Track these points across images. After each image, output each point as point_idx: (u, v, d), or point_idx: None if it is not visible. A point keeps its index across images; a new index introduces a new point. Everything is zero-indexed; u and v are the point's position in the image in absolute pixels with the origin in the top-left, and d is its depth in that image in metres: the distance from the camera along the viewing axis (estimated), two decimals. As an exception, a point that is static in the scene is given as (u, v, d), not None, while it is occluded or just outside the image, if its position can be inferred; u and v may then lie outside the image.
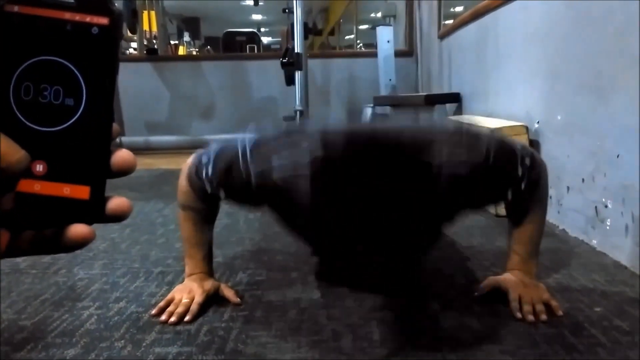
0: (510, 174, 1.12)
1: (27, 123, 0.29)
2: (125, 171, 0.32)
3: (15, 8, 0.29)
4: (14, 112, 0.29)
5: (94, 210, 0.30)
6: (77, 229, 0.30)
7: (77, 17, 0.30)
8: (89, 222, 0.30)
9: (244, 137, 1.12)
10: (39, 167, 0.30)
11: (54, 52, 0.30)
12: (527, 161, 1.13)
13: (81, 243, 0.30)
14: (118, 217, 0.31)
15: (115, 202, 0.31)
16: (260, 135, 1.13)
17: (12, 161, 0.28)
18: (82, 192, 0.30)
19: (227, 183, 1.14)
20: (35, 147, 0.29)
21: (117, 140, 0.32)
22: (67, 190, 0.30)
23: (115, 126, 0.31)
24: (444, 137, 1.03)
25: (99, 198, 0.31)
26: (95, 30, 0.30)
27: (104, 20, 0.30)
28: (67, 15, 0.30)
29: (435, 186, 0.98)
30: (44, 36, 0.29)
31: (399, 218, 0.94)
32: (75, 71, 0.30)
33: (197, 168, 1.18)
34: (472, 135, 1.08)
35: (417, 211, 0.94)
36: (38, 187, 0.30)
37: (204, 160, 1.17)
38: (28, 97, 0.29)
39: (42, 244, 0.30)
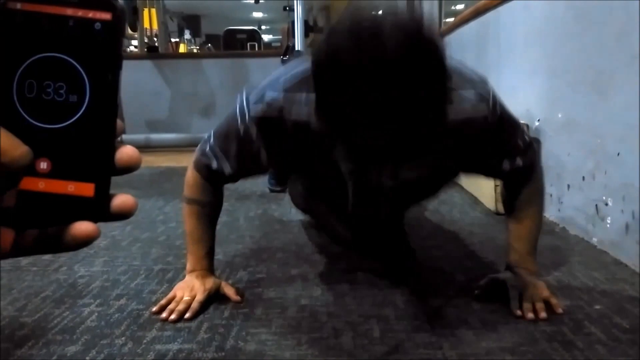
0: (511, 138, 1.13)
1: (31, 120, 0.29)
2: (130, 168, 0.31)
3: (18, 5, 0.29)
4: (17, 109, 0.29)
5: (99, 208, 0.30)
6: (82, 227, 0.30)
7: (80, 13, 0.29)
8: (94, 220, 0.30)
9: (238, 95, 1.14)
10: (43, 165, 0.29)
11: (56, 49, 0.29)
12: (527, 138, 1.16)
13: (86, 241, 0.30)
14: (123, 215, 0.31)
15: (121, 199, 0.31)
16: (252, 87, 1.14)
17: (14, 156, 0.27)
18: (86, 189, 0.30)
19: (228, 142, 1.15)
20: (39, 145, 0.29)
21: (118, 138, 0.32)
22: (72, 187, 0.30)
23: (119, 122, 0.31)
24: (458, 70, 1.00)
25: (104, 195, 0.30)
26: (97, 26, 0.30)
27: (106, 16, 0.30)
28: (70, 12, 0.29)
29: (442, 104, 0.89)
30: (47, 33, 0.29)
31: (403, 137, 0.85)
32: (79, 67, 0.30)
33: (200, 149, 1.21)
34: (483, 83, 1.08)
35: (420, 129, 0.84)
36: (42, 185, 0.29)
37: (206, 138, 1.21)
38: (31, 94, 0.29)
39: (46, 242, 0.30)
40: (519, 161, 1.14)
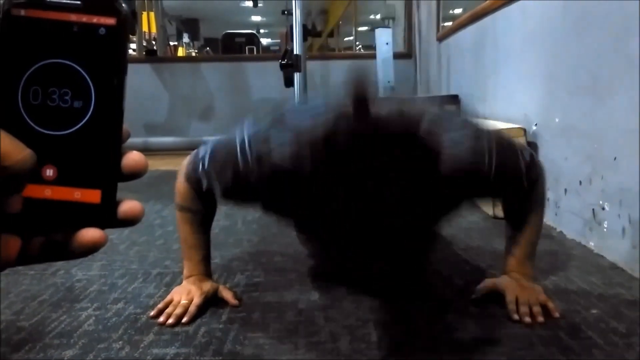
0: (513, 169, 1.12)
1: (36, 127, 0.29)
2: (136, 174, 0.31)
3: (22, 12, 0.29)
4: (23, 116, 0.29)
5: (106, 214, 0.30)
6: (89, 234, 0.29)
7: (84, 19, 0.29)
8: (100, 227, 0.30)
9: (242, 126, 1.11)
10: (49, 172, 0.29)
11: (61, 55, 0.29)
12: (527, 156, 1.14)
13: (93, 247, 0.30)
14: (130, 221, 0.31)
15: (128, 205, 0.31)
16: (257, 122, 1.11)
17: (17, 160, 0.27)
18: (93, 196, 0.30)
19: (223, 173, 1.12)
20: (45, 152, 0.29)
21: (124, 143, 0.32)
22: (78, 194, 0.30)
23: (125, 128, 0.30)
24: (448, 128, 1.01)
25: (111, 201, 0.30)
26: (102, 31, 0.30)
27: (110, 21, 0.30)
28: (74, 17, 0.29)
29: (438, 177, 0.93)
30: (51, 39, 0.29)
31: (401, 207, 0.92)
32: (83, 73, 0.30)
33: (194, 164, 1.17)
34: (474, 128, 1.08)
35: (419, 200, 0.91)
36: (49, 192, 0.29)
37: (201, 154, 1.17)
38: (36, 101, 0.29)
39: (53, 249, 0.30)
40: (524, 181, 1.13)
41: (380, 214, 0.92)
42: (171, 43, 8.89)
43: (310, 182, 0.99)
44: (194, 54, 10.06)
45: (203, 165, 1.15)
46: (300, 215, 1.21)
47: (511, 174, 1.13)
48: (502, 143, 1.10)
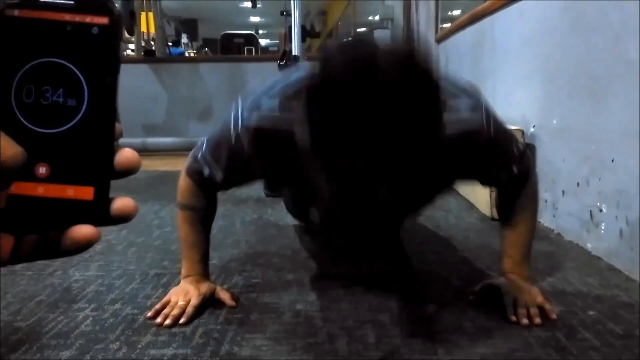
0: (507, 148, 1.13)
1: (29, 125, 0.29)
2: (129, 171, 0.31)
3: (15, 12, 0.29)
4: (16, 114, 0.29)
5: (99, 211, 0.30)
6: (82, 230, 0.29)
7: (77, 18, 0.30)
8: (94, 224, 0.30)
9: (236, 103, 1.12)
10: (42, 170, 0.29)
11: (54, 54, 0.30)
12: (521, 147, 1.16)
13: (86, 244, 0.30)
14: (123, 218, 0.31)
15: (121, 203, 0.31)
16: (250, 94, 1.12)
17: (7, 157, 0.27)
18: (86, 193, 0.30)
19: (218, 151, 1.13)
20: (38, 149, 0.29)
21: (117, 141, 0.32)
22: (71, 191, 0.30)
23: (118, 126, 0.31)
24: (450, 81, 0.99)
25: (104, 199, 0.30)
26: (95, 30, 0.30)
27: (103, 20, 0.30)
28: (67, 17, 0.30)
29: (437, 117, 0.85)
30: (45, 38, 0.30)
31: (398, 156, 0.82)
32: (77, 72, 0.30)
33: (193, 156, 1.21)
34: (476, 94, 1.10)
35: (416, 145, 0.82)
36: (41, 190, 0.29)
37: (199, 144, 1.20)
38: (30, 99, 0.29)
39: (46, 247, 0.30)
40: (515, 169, 1.15)
41: (379, 166, 0.83)
42: (170, 43, 8.89)
43: (301, 145, 0.90)
44: (192, 55, 10.06)
45: (202, 152, 1.18)
46: (298, 183, 1.19)
47: (503, 153, 1.13)
48: (499, 121, 1.12)
